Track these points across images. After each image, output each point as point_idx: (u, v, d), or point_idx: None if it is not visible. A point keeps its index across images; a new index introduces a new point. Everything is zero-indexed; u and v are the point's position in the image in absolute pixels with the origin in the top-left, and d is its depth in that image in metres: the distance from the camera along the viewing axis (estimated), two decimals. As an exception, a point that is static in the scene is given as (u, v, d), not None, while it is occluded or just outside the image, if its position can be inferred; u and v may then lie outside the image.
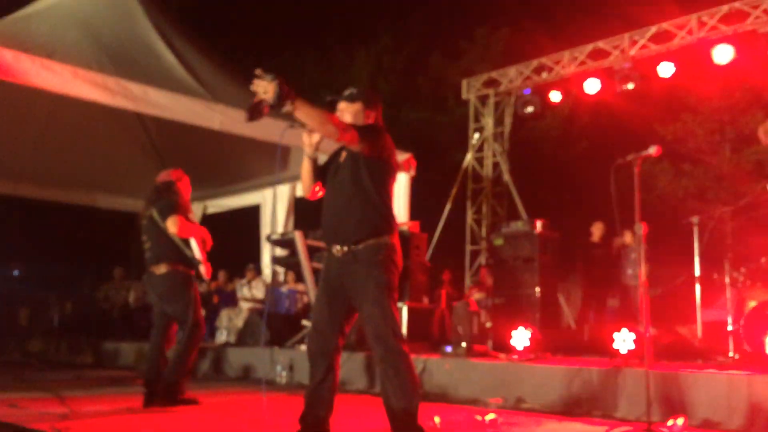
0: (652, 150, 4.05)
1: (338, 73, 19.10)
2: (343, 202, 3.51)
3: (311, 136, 3.55)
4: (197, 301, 5.17)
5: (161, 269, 5.11)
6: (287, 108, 3.12)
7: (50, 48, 6.59)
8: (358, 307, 3.47)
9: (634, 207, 4.26)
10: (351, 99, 3.60)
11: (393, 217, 3.56)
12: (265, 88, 3.08)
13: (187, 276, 5.18)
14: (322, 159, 3.71)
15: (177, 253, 5.12)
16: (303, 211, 6.04)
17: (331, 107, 3.59)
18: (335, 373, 3.53)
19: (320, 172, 3.66)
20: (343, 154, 3.61)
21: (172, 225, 4.99)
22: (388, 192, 3.55)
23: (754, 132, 15.24)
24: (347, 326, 3.58)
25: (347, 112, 3.58)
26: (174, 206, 5.08)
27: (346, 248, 3.47)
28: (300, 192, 9.69)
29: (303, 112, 3.16)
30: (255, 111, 3.18)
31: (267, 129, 7.75)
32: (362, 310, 3.45)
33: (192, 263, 5.18)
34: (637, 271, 8.39)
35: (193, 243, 5.16)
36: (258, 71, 3.10)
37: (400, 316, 4.70)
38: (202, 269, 5.21)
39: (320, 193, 3.68)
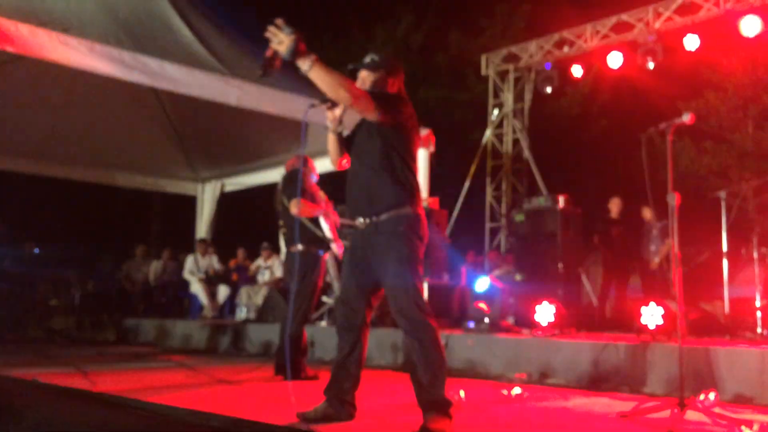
0: (686, 118, 3.91)
1: (357, 51, 18.91)
2: (364, 175, 3.42)
3: (333, 111, 3.48)
4: (317, 283, 5.49)
5: (296, 248, 5.49)
6: (302, 66, 3.04)
7: (67, 22, 6.50)
8: (381, 279, 3.40)
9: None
10: (372, 67, 3.50)
11: (416, 187, 3.44)
12: (281, 39, 3.01)
13: (317, 257, 5.52)
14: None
15: (309, 235, 5.50)
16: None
17: (352, 76, 3.49)
18: (363, 347, 3.49)
19: (347, 145, 3.58)
20: (364, 126, 3.51)
21: (293, 207, 5.34)
22: (409, 161, 3.43)
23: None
24: (375, 300, 3.53)
25: (368, 80, 3.49)
26: (297, 191, 5.42)
27: (368, 220, 3.40)
28: (319, 167, 9.60)
29: (317, 73, 3.07)
30: (268, 65, 3.11)
31: (285, 105, 7.69)
32: (385, 282, 3.38)
33: (325, 243, 5.55)
34: (660, 248, 8.34)
35: (323, 223, 5.52)
36: (278, 20, 3.02)
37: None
38: (335, 247, 5.56)
39: (346, 164, 3.60)
